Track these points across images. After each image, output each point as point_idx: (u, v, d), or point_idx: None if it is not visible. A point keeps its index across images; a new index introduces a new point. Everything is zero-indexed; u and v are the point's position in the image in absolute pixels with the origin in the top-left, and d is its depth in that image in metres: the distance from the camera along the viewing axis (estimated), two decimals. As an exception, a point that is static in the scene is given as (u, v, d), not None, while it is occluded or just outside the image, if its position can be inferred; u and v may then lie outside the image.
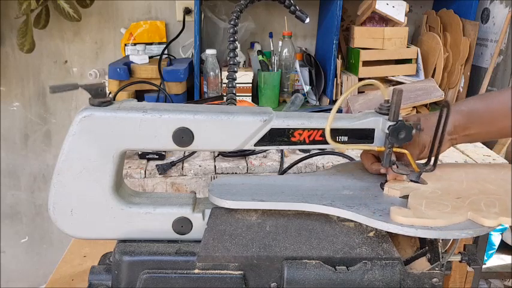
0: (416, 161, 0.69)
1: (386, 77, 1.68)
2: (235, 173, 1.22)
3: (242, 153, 1.26)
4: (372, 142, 0.67)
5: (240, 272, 0.58)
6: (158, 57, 1.64)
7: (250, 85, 1.66)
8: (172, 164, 1.21)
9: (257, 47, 1.77)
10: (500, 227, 1.73)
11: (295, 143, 0.66)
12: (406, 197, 0.66)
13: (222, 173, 1.21)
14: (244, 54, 1.77)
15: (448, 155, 1.34)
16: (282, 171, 1.19)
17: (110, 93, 1.54)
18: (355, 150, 1.30)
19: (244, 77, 1.63)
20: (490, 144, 1.54)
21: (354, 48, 1.68)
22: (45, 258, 2.17)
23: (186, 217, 0.66)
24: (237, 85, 1.57)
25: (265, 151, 1.29)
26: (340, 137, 0.66)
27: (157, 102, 1.26)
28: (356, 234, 0.62)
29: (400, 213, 0.59)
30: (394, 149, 0.67)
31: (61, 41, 1.85)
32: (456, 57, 1.67)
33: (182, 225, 0.66)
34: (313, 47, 1.94)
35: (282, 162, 1.23)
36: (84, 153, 0.62)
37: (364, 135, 0.67)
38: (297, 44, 1.88)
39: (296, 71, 1.72)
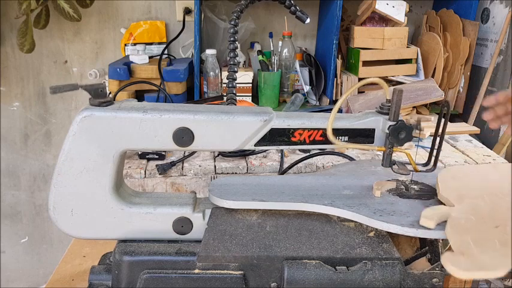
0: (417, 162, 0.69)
1: (387, 77, 1.68)
2: (235, 173, 1.22)
3: (242, 153, 1.26)
4: (373, 142, 0.67)
5: (240, 272, 0.58)
6: (158, 57, 1.64)
7: (250, 85, 1.66)
8: (172, 164, 1.21)
9: (257, 47, 1.77)
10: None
11: (295, 143, 0.66)
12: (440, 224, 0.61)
13: (222, 173, 1.21)
14: (244, 54, 1.77)
15: (449, 155, 1.34)
16: (282, 171, 1.19)
17: (109, 93, 1.54)
18: (355, 150, 1.30)
19: (244, 77, 1.63)
20: (490, 144, 1.54)
21: (354, 48, 1.68)
22: (45, 258, 2.17)
23: (186, 217, 0.66)
24: (237, 85, 1.57)
25: (265, 151, 1.29)
26: (340, 137, 0.66)
27: (157, 102, 1.26)
28: (356, 234, 0.62)
29: (459, 266, 0.52)
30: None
31: (61, 41, 1.85)
32: (456, 57, 1.67)
33: (182, 225, 0.66)
34: (313, 47, 1.94)
35: (282, 162, 1.23)
36: (85, 153, 0.62)
37: (364, 135, 0.67)
38: (297, 44, 1.88)
39: (296, 71, 1.72)
